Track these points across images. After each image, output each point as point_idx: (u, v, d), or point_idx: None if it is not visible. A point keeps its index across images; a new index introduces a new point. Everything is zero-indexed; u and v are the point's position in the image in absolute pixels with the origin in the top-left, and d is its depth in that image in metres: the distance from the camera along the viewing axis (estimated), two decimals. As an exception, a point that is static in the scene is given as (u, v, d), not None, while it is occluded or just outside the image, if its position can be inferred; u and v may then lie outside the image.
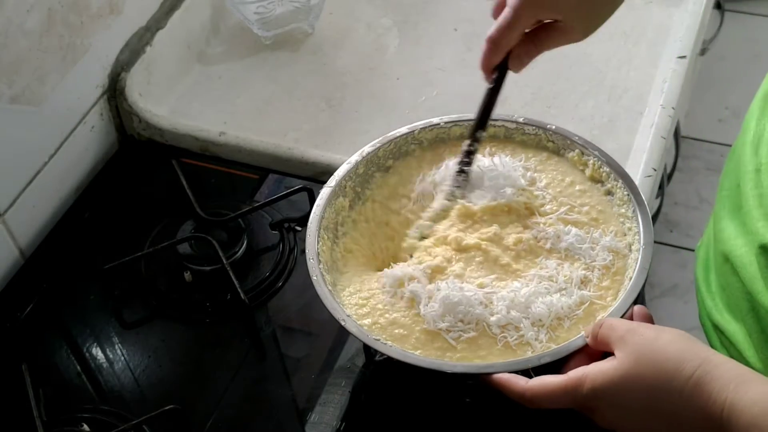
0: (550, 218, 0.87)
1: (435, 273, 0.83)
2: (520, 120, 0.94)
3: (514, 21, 0.80)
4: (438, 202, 0.89)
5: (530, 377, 0.73)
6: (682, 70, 1.18)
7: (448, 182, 0.89)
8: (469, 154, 0.88)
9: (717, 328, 0.80)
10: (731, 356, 0.77)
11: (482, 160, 0.91)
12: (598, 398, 0.68)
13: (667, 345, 0.66)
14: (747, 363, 0.74)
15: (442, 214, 0.89)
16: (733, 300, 0.77)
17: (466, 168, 0.88)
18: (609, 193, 0.89)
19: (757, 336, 0.74)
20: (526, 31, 0.82)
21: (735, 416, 0.61)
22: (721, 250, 0.78)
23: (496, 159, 0.91)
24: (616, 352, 0.68)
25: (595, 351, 0.74)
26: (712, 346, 0.82)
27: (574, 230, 0.85)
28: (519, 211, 0.88)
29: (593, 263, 0.83)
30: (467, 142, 0.88)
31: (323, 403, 0.89)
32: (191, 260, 1.00)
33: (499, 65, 0.84)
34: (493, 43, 0.82)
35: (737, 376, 0.63)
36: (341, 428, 0.87)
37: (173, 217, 1.05)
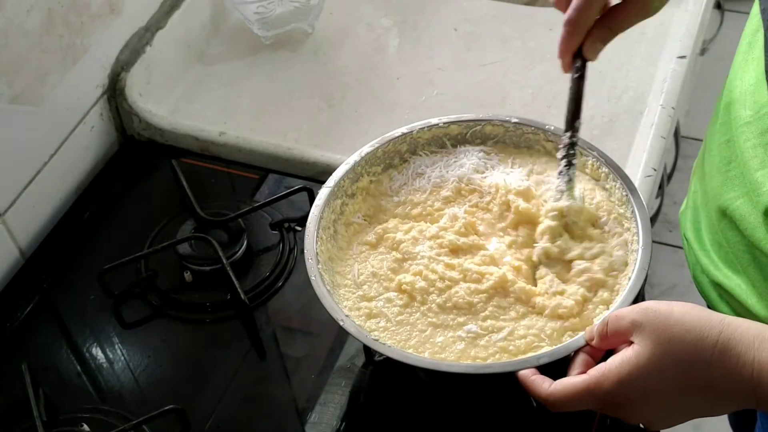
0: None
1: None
2: (519, 120, 0.94)
3: None
4: (550, 205, 0.86)
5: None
6: (682, 70, 1.18)
7: (555, 183, 0.87)
8: (572, 146, 0.85)
9: (715, 284, 0.81)
10: (732, 309, 0.79)
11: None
12: (627, 389, 0.66)
13: (683, 317, 0.65)
14: (749, 315, 0.75)
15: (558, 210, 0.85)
16: (733, 254, 0.77)
17: (573, 161, 0.85)
18: (607, 192, 0.89)
19: (761, 285, 0.74)
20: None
21: (766, 373, 0.61)
22: (716, 207, 0.78)
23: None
24: (633, 338, 0.67)
25: (596, 351, 0.73)
26: (710, 301, 0.83)
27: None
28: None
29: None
30: (567, 134, 0.85)
31: (323, 403, 0.89)
32: (191, 260, 1.00)
33: (576, 53, 0.81)
34: (572, 24, 0.79)
35: (758, 334, 0.63)
36: (341, 428, 0.87)
37: (173, 217, 1.05)
